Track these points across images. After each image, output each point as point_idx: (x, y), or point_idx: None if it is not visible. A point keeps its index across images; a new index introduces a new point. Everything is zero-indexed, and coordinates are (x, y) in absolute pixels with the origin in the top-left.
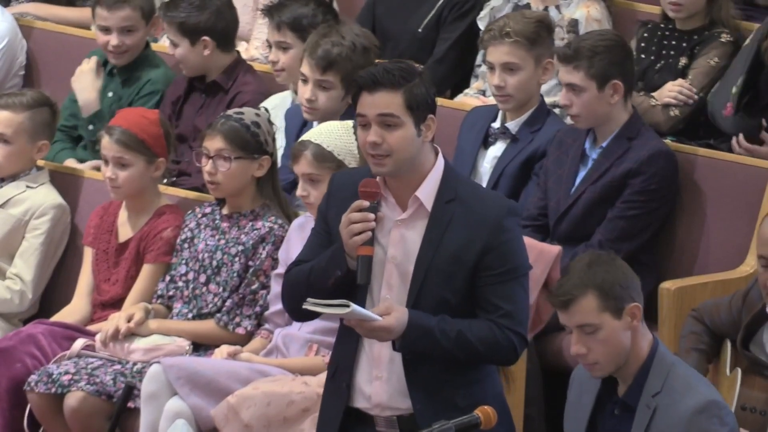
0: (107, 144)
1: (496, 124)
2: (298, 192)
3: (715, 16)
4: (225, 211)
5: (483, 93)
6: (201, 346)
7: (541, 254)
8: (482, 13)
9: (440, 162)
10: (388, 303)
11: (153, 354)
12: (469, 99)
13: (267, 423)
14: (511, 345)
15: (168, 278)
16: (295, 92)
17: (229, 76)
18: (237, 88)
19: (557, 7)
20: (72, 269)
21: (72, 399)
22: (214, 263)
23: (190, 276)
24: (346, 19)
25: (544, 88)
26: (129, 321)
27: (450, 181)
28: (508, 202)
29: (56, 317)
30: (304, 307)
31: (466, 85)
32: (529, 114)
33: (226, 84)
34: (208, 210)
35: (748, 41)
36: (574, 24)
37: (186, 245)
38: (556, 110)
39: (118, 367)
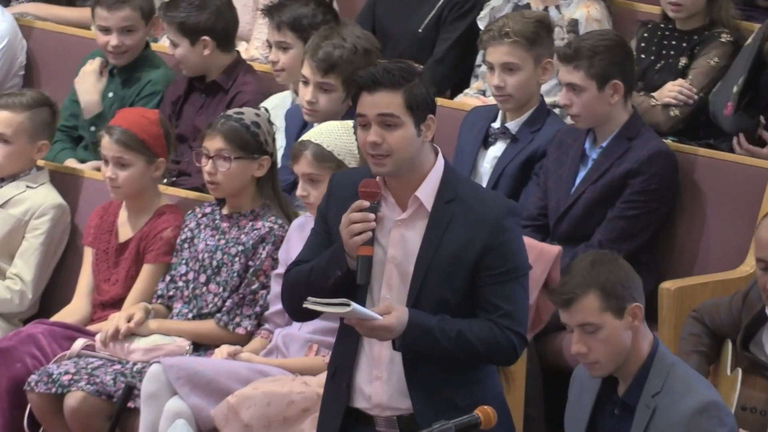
0: (107, 144)
1: (496, 124)
2: (298, 192)
3: (715, 16)
4: (225, 211)
5: (483, 93)
6: (201, 346)
7: (541, 254)
8: (482, 13)
9: (440, 162)
10: (388, 302)
11: (153, 354)
12: (469, 99)
13: (267, 423)
14: (511, 345)
15: (168, 278)
16: (295, 92)
17: (229, 76)
18: (237, 88)
19: (557, 7)
20: (72, 269)
21: (72, 399)
22: (214, 263)
23: (190, 276)
24: (346, 19)
25: (544, 88)
26: (129, 321)
27: (450, 181)
28: (508, 202)
29: (56, 317)
30: (304, 305)
31: (466, 85)
32: (529, 114)
33: (226, 84)
34: (208, 210)
35: (750, 40)
36: (574, 24)
37: (186, 245)
38: (556, 110)
39: (118, 367)
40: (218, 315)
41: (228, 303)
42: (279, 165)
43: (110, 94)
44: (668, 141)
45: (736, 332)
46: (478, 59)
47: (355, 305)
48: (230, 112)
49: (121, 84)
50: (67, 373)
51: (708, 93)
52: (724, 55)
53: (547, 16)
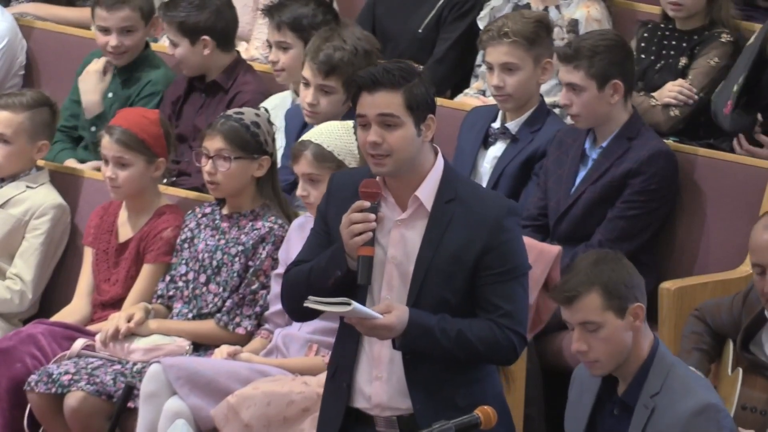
0: (107, 144)
1: (496, 124)
2: (298, 192)
3: (715, 16)
4: (225, 211)
5: (483, 93)
6: (201, 346)
7: (541, 254)
8: (482, 13)
9: (440, 162)
10: (389, 302)
11: (153, 354)
12: (469, 99)
13: (267, 423)
14: (511, 345)
15: (168, 278)
16: (296, 92)
17: (229, 76)
18: (237, 88)
19: (557, 7)
20: (72, 269)
21: (72, 399)
22: (214, 263)
23: (190, 276)
24: (346, 20)
25: (544, 88)
26: (129, 321)
27: (450, 181)
28: (507, 202)
29: (56, 317)
30: (305, 305)
31: (466, 85)
32: (529, 114)
33: (226, 84)
34: (208, 210)
35: (752, 40)
36: (574, 24)
37: (186, 245)
38: (556, 110)
39: (118, 367)
40: (218, 315)
41: (228, 303)
42: (279, 165)
43: (110, 95)
44: (668, 141)
45: (737, 332)
46: (478, 59)
47: (355, 304)
48: (230, 112)
49: (121, 84)
50: (67, 373)
51: (708, 93)
52: (724, 55)
53: (547, 16)
